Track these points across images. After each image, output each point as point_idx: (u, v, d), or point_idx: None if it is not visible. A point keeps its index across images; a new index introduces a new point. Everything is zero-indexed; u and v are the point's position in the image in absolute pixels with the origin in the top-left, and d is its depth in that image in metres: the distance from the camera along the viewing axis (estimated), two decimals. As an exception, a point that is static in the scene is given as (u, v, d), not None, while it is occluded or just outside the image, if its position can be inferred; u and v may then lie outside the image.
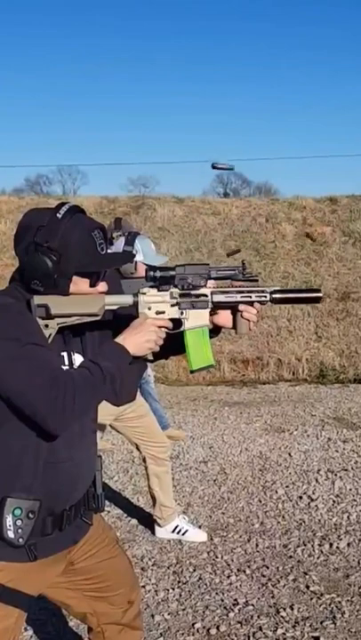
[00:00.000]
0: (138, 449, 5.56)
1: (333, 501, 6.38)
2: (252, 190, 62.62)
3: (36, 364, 2.41)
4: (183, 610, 4.57)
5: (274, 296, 2.75)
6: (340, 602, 4.61)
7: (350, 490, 6.67)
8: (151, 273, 2.72)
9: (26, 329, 2.47)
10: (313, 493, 6.59)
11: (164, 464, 5.54)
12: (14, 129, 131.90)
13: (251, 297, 2.73)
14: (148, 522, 5.84)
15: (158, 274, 2.72)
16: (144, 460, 5.54)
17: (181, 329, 2.74)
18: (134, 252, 5.16)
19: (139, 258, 5.12)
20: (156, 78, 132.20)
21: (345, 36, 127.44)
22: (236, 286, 2.75)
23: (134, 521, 6.04)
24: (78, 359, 2.71)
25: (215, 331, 2.86)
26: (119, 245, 5.27)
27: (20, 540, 2.51)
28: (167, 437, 6.04)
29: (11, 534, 2.49)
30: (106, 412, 5.09)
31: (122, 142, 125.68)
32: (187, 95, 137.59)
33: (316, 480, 6.95)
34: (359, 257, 16.91)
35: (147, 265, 4.89)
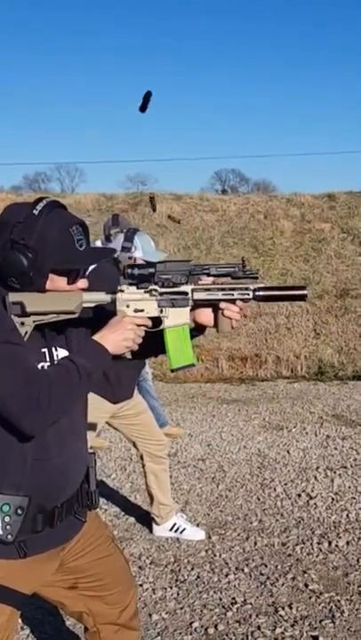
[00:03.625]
0: (135, 446, 5.53)
1: (332, 499, 6.35)
2: (250, 187, 62.63)
3: (11, 364, 2.37)
4: (181, 609, 4.54)
5: (257, 293, 2.66)
6: (339, 601, 4.58)
7: (349, 487, 6.65)
8: (130, 270, 2.67)
9: (1, 327, 2.43)
10: (312, 491, 6.56)
11: (161, 462, 5.51)
12: (13, 126, 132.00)
13: (233, 294, 2.65)
14: (146, 520, 5.81)
15: (137, 271, 2.66)
16: (141, 458, 5.51)
17: (161, 327, 2.69)
18: (133, 248, 5.12)
19: (138, 254, 5.09)
20: (155, 76, 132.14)
21: (344, 35, 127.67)
22: (218, 283, 2.70)
23: (132, 519, 6.01)
24: (63, 354, 2.68)
25: (198, 329, 2.80)
26: (118, 242, 5.23)
27: (9, 536, 2.48)
28: (165, 435, 6.01)
29: None
30: (103, 409, 5.08)
31: (120, 140, 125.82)
32: (185, 93, 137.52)
33: (315, 478, 6.93)
34: (358, 254, 16.91)
35: (145, 262, 4.88)
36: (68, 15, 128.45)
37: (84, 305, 2.64)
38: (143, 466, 5.52)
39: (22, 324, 2.51)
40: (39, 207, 2.52)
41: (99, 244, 6.99)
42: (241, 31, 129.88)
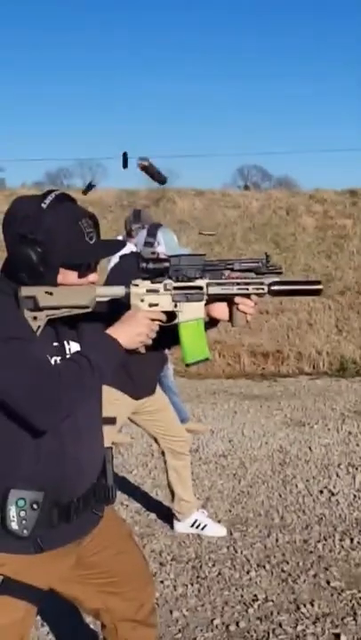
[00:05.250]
0: (157, 442, 5.52)
1: (354, 496, 6.32)
2: (272, 184, 62.54)
3: (19, 360, 2.36)
4: (202, 606, 4.53)
5: (272, 288, 2.66)
6: (361, 598, 4.56)
7: (371, 484, 6.61)
8: (144, 264, 2.66)
9: (7, 323, 2.43)
10: (334, 488, 6.53)
11: (183, 458, 5.50)
12: (36, 123, 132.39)
13: (248, 289, 2.64)
14: (167, 516, 5.79)
15: (151, 265, 2.66)
16: (163, 454, 5.50)
17: (175, 322, 2.67)
18: (156, 243, 5.11)
19: (161, 250, 5.07)
20: (178, 72, 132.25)
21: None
22: (232, 277, 2.68)
23: (153, 515, 6.00)
24: (75, 348, 2.67)
25: (212, 323, 2.78)
26: (141, 238, 5.22)
27: (25, 531, 2.47)
28: (187, 431, 6.00)
29: (15, 525, 2.46)
30: (125, 405, 5.07)
31: (142, 136, 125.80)
32: (207, 90, 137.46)
33: (337, 474, 6.89)
34: (380, 250, 16.85)
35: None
36: (82, 12, 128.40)
37: (98, 299, 2.62)
38: (165, 462, 5.51)
39: (35, 318, 2.49)
40: (47, 200, 2.50)
41: (120, 239, 6.99)
42: (261, 24, 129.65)
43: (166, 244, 5.13)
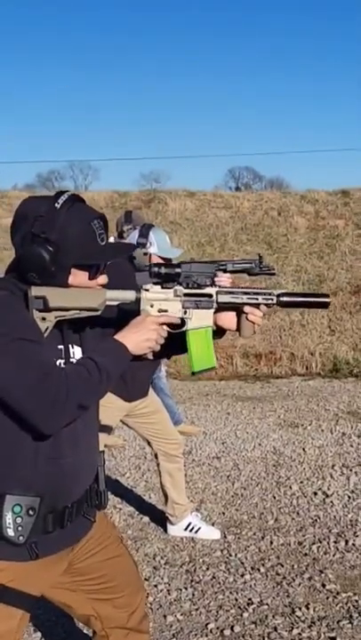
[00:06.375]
0: (150, 445, 5.49)
1: (349, 497, 6.29)
2: (264, 185, 62.69)
3: (25, 361, 2.33)
4: (196, 610, 4.49)
5: (281, 299, 2.69)
6: (357, 601, 4.52)
7: (366, 485, 6.59)
8: (156, 269, 2.65)
9: (15, 323, 2.39)
10: (328, 489, 6.50)
11: (176, 461, 5.47)
12: (27, 124, 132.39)
13: (257, 299, 2.66)
14: (161, 519, 5.75)
15: (163, 270, 2.65)
16: (156, 457, 5.47)
17: (184, 329, 2.67)
18: (148, 244, 5.07)
19: (153, 250, 5.04)
20: (168, 73, 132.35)
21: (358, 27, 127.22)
22: (241, 286, 2.68)
23: (146, 519, 5.96)
24: (78, 352, 2.65)
25: (219, 333, 2.78)
26: (133, 238, 5.18)
27: (21, 537, 2.44)
28: (180, 433, 5.96)
29: (11, 532, 2.43)
30: (118, 407, 5.04)
31: (134, 138, 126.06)
32: (198, 90, 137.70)
33: (331, 475, 6.86)
34: (372, 250, 16.84)
35: (161, 258, 4.84)
36: (76, 12, 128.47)
37: (108, 303, 2.60)
38: (158, 464, 5.48)
39: (43, 319, 2.47)
40: (60, 200, 2.49)
41: (112, 240, 6.95)
42: (251, 24, 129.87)
43: (158, 244, 5.09)
